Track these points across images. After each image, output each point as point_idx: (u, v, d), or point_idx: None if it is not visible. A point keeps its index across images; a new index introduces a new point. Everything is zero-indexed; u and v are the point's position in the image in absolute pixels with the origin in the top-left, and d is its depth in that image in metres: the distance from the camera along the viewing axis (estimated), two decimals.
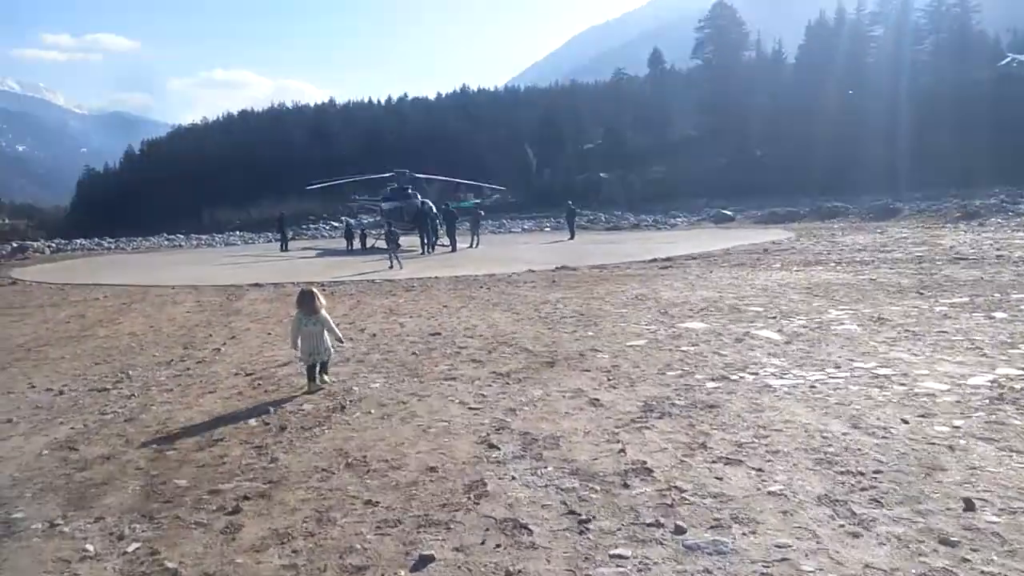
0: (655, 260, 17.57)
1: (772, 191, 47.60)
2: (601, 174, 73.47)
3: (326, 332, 6.04)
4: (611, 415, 4.86)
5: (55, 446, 4.84)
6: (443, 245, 25.93)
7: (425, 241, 25.16)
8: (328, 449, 4.46)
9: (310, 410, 5.41)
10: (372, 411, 5.28)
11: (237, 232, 56.13)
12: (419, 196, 28.58)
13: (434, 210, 26.17)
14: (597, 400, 5.23)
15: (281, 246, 32.65)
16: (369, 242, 29.28)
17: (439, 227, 25.87)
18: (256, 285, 15.85)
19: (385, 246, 28.03)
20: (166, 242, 49.42)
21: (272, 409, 5.44)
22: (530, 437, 4.47)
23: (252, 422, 5.17)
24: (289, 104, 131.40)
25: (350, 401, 5.58)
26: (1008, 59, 60.80)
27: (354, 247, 29.64)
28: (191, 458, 4.44)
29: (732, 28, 76.42)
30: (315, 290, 6.10)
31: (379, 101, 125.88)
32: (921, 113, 51.63)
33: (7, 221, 79.92)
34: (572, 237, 29.97)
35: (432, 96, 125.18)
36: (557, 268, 16.59)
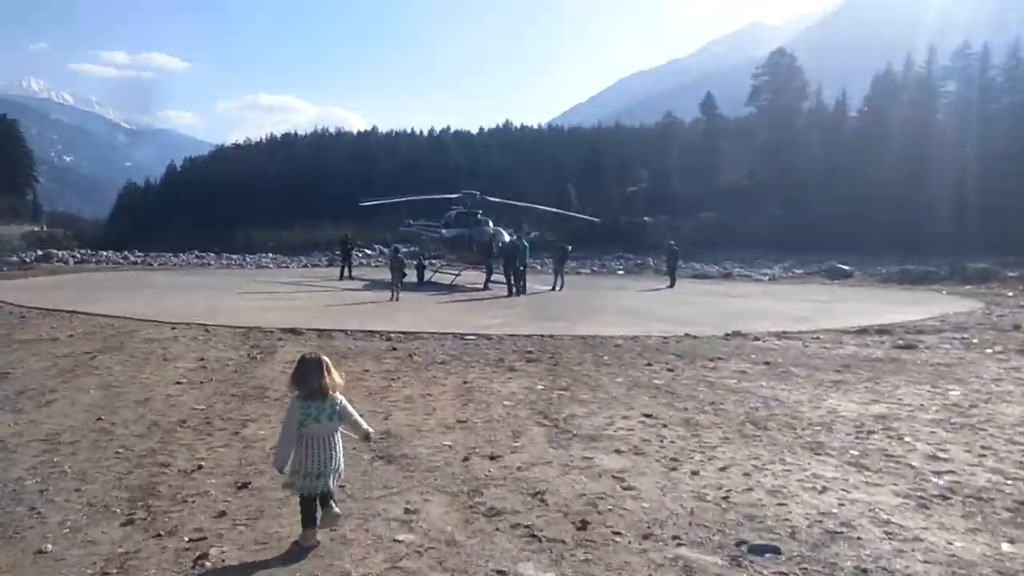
0: (864, 331, 12.07)
1: (829, 247, 43.13)
2: (645, 218, 69.08)
3: (340, 432, 3.37)
4: None
5: None
6: (496, 283, 21.03)
7: (494, 280, 20.37)
8: None
9: None
10: None
11: (270, 254, 51.87)
12: (490, 224, 23.56)
13: (524, 241, 20.95)
14: None
15: (342, 272, 26.78)
16: (427, 274, 24.34)
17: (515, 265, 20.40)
18: (293, 332, 10.79)
19: (447, 281, 23.22)
20: (195, 259, 45.47)
21: None
22: None
23: None
24: (332, 130, 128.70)
25: None
26: None
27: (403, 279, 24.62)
28: None
29: (792, 76, 72.71)
30: (323, 357, 3.38)
31: (421, 132, 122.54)
32: (995, 175, 46.47)
33: (46, 229, 77.99)
34: (672, 285, 24.55)
35: (474, 131, 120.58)
36: (729, 335, 11.31)
